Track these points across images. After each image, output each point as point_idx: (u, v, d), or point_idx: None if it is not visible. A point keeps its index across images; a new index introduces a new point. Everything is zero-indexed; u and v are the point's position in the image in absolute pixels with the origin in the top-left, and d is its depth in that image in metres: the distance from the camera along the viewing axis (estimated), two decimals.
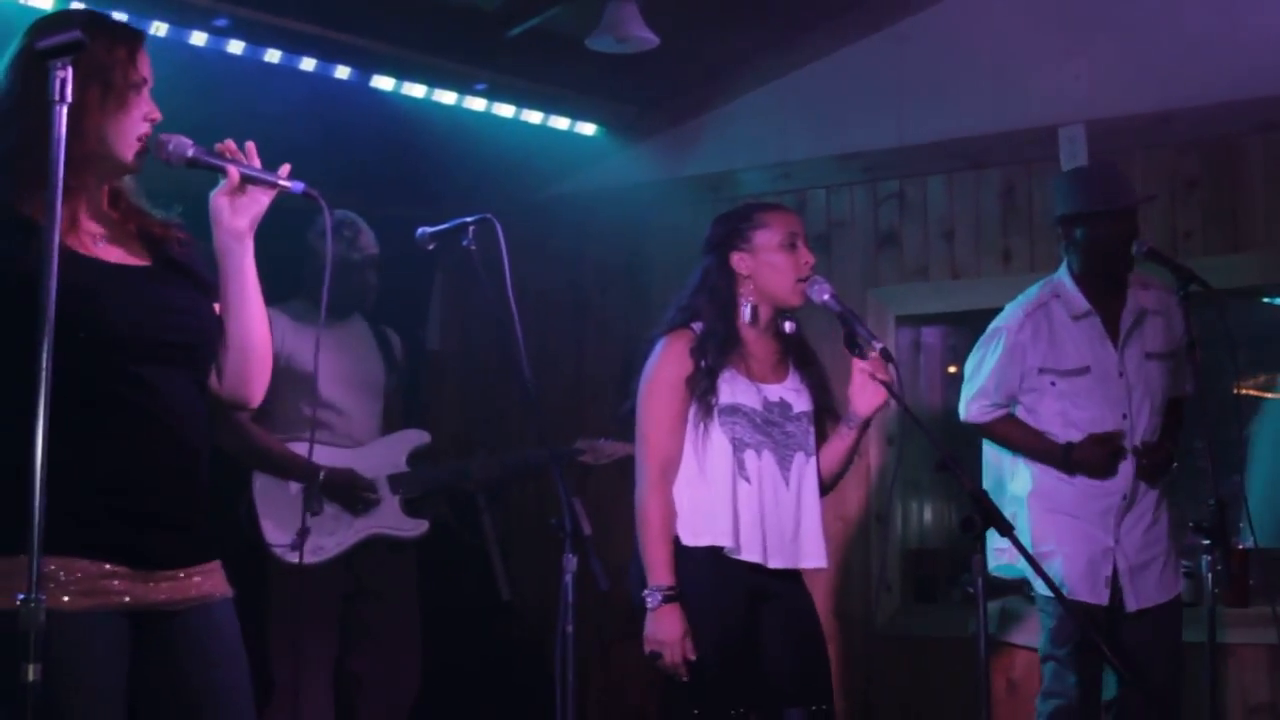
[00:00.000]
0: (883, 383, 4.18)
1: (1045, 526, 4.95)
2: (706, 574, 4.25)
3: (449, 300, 7.42)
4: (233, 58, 5.35)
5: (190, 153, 2.96)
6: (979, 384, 5.06)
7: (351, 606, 5.29)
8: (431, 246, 4.06)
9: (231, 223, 3.00)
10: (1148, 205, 5.22)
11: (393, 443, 5.46)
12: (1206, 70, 5.79)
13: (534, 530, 6.52)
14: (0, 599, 2.62)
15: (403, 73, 6.00)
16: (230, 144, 3.00)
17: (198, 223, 3.09)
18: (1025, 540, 4.85)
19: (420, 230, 4.05)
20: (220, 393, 3.09)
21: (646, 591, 4.21)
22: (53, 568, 2.73)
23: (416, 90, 6.08)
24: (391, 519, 5.33)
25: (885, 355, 4.15)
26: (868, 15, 6.47)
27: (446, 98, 6.19)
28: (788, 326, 4.43)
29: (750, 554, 4.26)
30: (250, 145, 3.01)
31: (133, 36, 2.94)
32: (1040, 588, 4.83)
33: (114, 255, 2.94)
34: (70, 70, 2.51)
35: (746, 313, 4.38)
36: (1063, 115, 6.03)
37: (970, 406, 5.09)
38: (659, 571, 4.22)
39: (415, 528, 5.38)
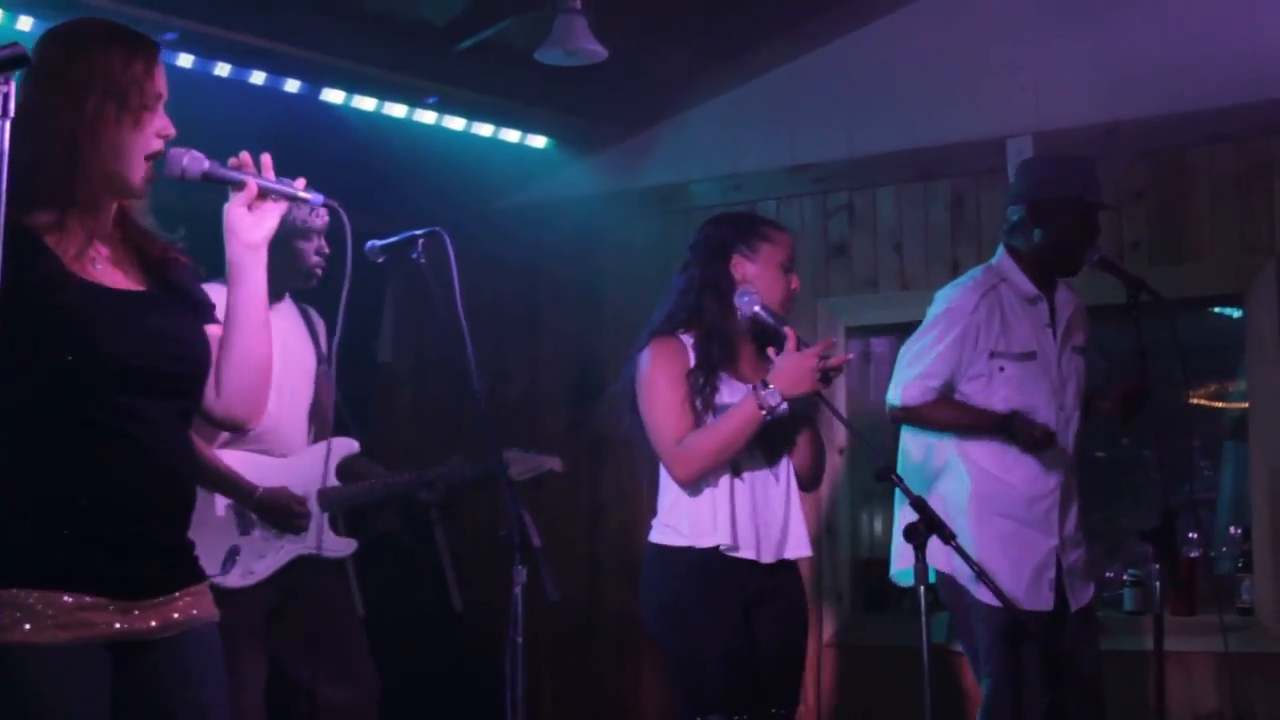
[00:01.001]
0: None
1: (987, 531, 4.79)
2: (707, 579, 4.35)
3: (401, 313, 7.41)
4: (182, 71, 5.34)
5: (206, 166, 2.92)
6: (923, 367, 4.88)
7: (283, 621, 4.90)
8: (381, 260, 4.03)
9: (248, 236, 2.96)
10: (1114, 208, 5.24)
11: (320, 453, 4.97)
12: (1153, 82, 5.85)
13: (486, 542, 6.54)
14: None
15: (353, 86, 6.00)
16: (246, 157, 2.97)
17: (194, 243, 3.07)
18: (968, 547, 4.74)
19: (369, 244, 4.01)
20: (215, 411, 3.01)
21: (768, 403, 4.23)
22: (32, 601, 2.67)
23: (367, 103, 6.08)
24: (318, 539, 4.95)
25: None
26: (819, 28, 6.51)
27: (397, 111, 6.20)
28: (770, 352, 4.40)
29: (747, 551, 4.35)
30: (266, 158, 2.98)
31: (150, 50, 2.87)
32: (976, 593, 4.75)
33: (114, 279, 2.87)
34: (11, 85, 2.44)
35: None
36: (1011, 127, 6.07)
37: (908, 390, 4.89)
38: (743, 412, 4.25)
39: (345, 547, 4.99)
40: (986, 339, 4.85)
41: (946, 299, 4.96)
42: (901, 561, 4.94)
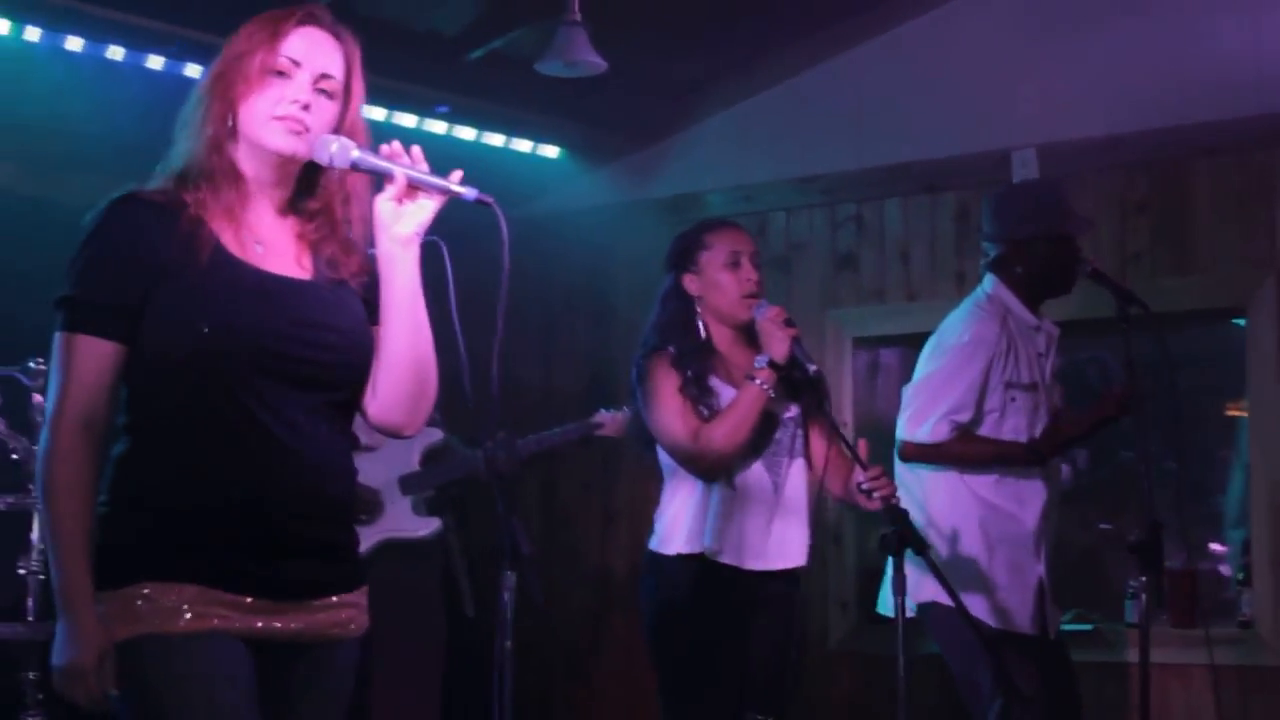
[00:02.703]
0: (886, 486, 4.14)
1: (998, 561, 4.74)
2: (693, 583, 4.39)
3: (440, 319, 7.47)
4: (188, 80, 5.39)
5: (354, 155, 2.78)
6: (951, 401, 4.72)
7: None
8: None
9: (397, 229, 2.81)
10: (1095, 227, 5.22)
11: (405, 443, 5.25)
12: (1154, 95, 5.86)
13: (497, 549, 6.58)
14: (121, 628, 2.65)
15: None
16: (397, 145, 2.81)
17: None
18: (979, 573, 4.72)
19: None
20: (371, 414, 2.89)
21: (755, 371, 4.30)
22: (157, 593, 2.66)
23: (377, 113, 6.13)
24: (401, 521, 5.28)
25: (818, 375, 4.31)
26: (827, 41, 6.54)
27: (407, 121, 6.25)
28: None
29: (730, 558, 4.38)
30: (416, 149, 2.82)
31: (279, 19, 2.80)
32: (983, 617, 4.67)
33: (272, 264, 2.80)
34: None
35: (702, 331, 4.49)
36: (1015, 139, 6.10)
37: (937, 427, 4.71)
38: (750, 390, 4.30)
39: (426, 527, 5.31)
40: (1003, 370, 4.76)
41: (966, 329, 4.82)
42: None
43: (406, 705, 5.33)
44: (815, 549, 6.30)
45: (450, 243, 3.91)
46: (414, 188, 2.79)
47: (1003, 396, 4.76)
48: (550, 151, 6.94)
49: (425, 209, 2.81)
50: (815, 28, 6.50)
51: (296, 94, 2.75)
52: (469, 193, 2.80)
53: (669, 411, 4.40)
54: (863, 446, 4.21)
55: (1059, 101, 6.07)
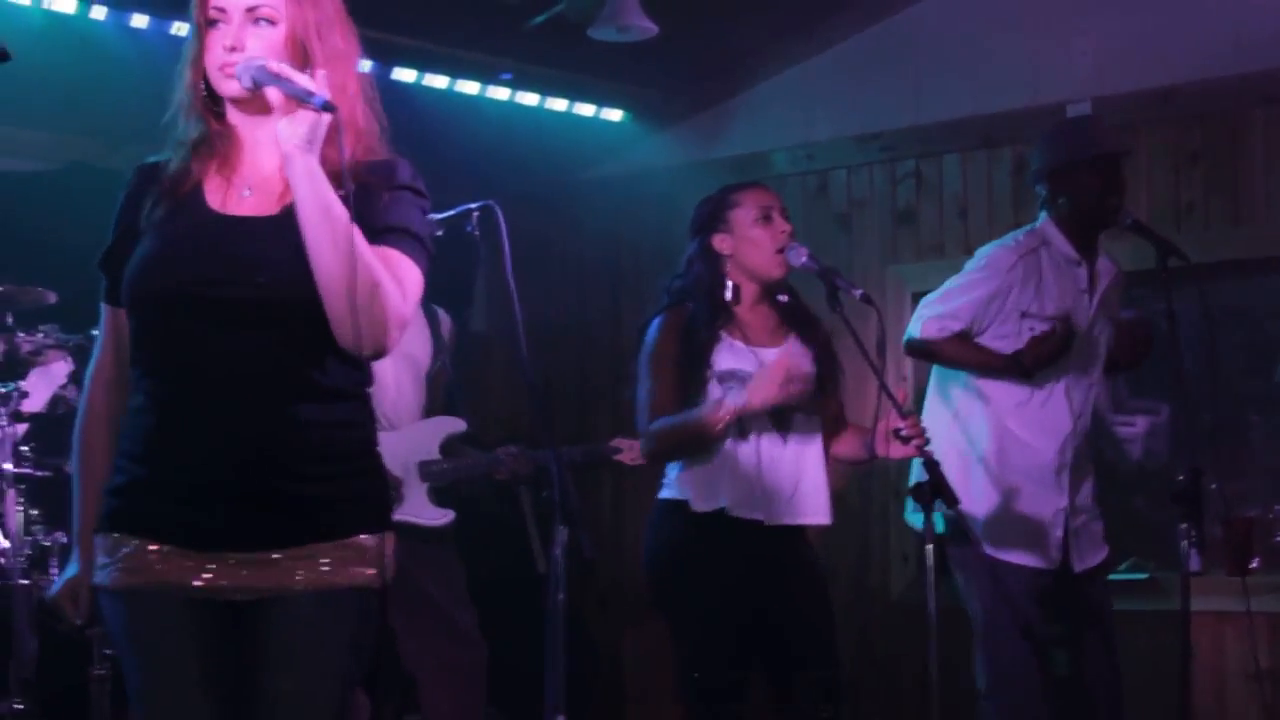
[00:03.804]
0: (922, 437, 4.25)
1: (1001, 487, 4.88)
2: (710, 539, 4.43)
3: (492, 282, 7.60)
4: None
5: (254, 70, 2.70)
6: (949, 307, 4.94)
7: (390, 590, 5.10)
8: (439, 233, 4.03)
9: (282, 146, 2.66)
10: (1150, 178, 5.27)
11: (428, 428, 5.30)
12: (1208, 46, 5.87)
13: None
14: (90, 575, 2.79)
15: (424, 65, 6.17)
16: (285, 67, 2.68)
17: None
18: (980, 495, 4.86)
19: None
20: (341, 343, 2.70)
21: (725, 403, 4.35)
22: (117, 547, 2.72)
23: (439, 81, 6.25)
24: (416, 507, 5.20)
25: (865, 299, 4.31)
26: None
27: (470, 88, 6.37)
28: (781, 299, 4.57)
29: (749, 512, 4.42)
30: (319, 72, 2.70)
31: None
32: (988, 548, 4.84)
33: (243, 206, 2.79)
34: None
35: (729, 292, 4.55)
36: (1070, 93, 6.13)
37: (928, 324, 4.93)
38: (707, 412, 4.38)
39: (440, 517, 5.17)
40: (1021, 299, 4.90)
41: (987, 254, 5.04)
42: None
43: (449, 689, 5.29)
44: (879, 504, 6.48)
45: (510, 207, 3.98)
46: (289, 100, 2.65)
47: (1017, 324, 4.91)
48: (614, 115, 7.04)
49: (302, 121, 2.64)
50: None
51: (223, 39, 2.74)
52: (318, 98, 2.63)
53: (652, 383, 4.49)
54: (902, 394, 4.29)
55: (1113, 53, 6.10)
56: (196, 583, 2.70)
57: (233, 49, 2.73)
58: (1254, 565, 5.64)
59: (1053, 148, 5.02)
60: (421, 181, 2.89)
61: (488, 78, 6.41)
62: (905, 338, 5.04)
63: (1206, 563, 4.83)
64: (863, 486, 6.47)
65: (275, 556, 2.72)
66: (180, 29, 5.43)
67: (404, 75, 6.13)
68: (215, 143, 2.82)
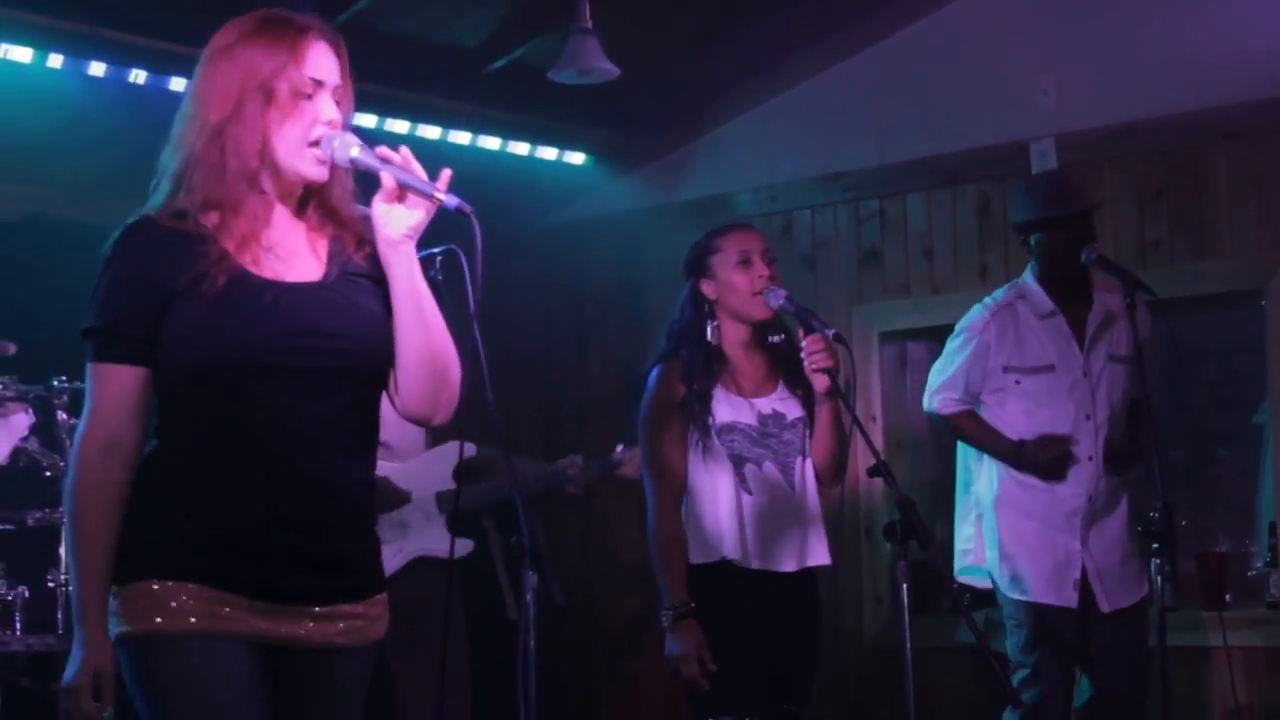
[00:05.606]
0: (824, 356, 4.31)
1: (1011, 530, 5.00)
2: (715, 590, 4.45)
3: (458, 326, 7.55)
4: None
5: (354, 154, 2.77)
6: (945, 378, 5.12)
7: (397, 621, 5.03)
8: None
9: (386, 231, 2.77)
10: (1114, 215, 5.28)
11: (439, 457, 5.28)
12: (1170, 82, 5.89)
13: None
14: (127, 623, 2.73)
15: (385, 110, 6.15)
16: (399, 150, 2.77)
17: None
18: (993, 543, 5.02)
19: None
20: (398, 407, 2.89)
21: (663, 611, 4.44)
22: (173, 593, 2.72)
23: (400, 126, 6.23)
24: (437, 539, 5.22)
25: (837, 339, 4.31)
26: (846, 39, 6.60)
27: (431, 133, 6.35)
28: (773, 340, 4.59)
29: (761, 562, 4.46)
30: (404, 150, 2.77)
31: (297, 34, 2.79)
32: (1007, 589, 4.97)
33: (282, 270, 2.82)
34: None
35: (710, 333, 4.56)
36: (1033, 130, 6.15)
37: (935, 398, 5.15)
38: (674, 590, 4.44)
39: (460, 548, 5.12)
40: (999, 355, 5.03)
41: (966, 317, 5.19)
42: (968, 558, 5.22)
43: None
44: (850, 543, 6.45)
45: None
46: (403, 189, 2.75)
47: (1003, 379, 5.04)
48: (576, 158, 7.03)
49: (415, 212, 2.77)
50: (833, 27, 6.55)
51: (328, 114, 2.78)
52: (450, 200, 2.74)
53: (660, 447, 4.51)
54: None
55: (1075, 90, 6.11)
56: (267, 627, 2.76)
57: (332, 124, 2.79)
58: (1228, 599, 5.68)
59: (1023, 204, 5.11)
60: None
61: (449, 122, 6.39)
62: (924, 408, 5.25)
63: (1178, 599, 4.82)
64: (834, 527, 6.37)
65: (318, 610, 2.82)
66: (138, 76, 5.42)
67: (365, 120, 6.09)
68: (247, 212, 2.80)
